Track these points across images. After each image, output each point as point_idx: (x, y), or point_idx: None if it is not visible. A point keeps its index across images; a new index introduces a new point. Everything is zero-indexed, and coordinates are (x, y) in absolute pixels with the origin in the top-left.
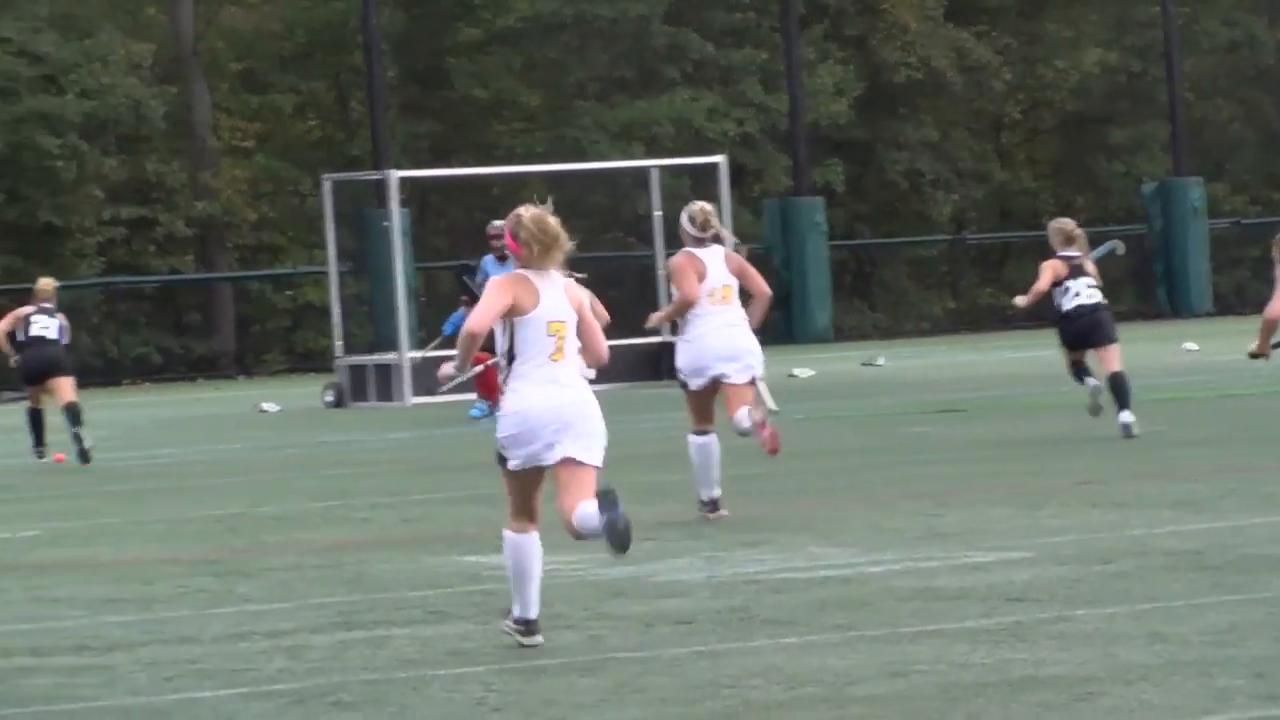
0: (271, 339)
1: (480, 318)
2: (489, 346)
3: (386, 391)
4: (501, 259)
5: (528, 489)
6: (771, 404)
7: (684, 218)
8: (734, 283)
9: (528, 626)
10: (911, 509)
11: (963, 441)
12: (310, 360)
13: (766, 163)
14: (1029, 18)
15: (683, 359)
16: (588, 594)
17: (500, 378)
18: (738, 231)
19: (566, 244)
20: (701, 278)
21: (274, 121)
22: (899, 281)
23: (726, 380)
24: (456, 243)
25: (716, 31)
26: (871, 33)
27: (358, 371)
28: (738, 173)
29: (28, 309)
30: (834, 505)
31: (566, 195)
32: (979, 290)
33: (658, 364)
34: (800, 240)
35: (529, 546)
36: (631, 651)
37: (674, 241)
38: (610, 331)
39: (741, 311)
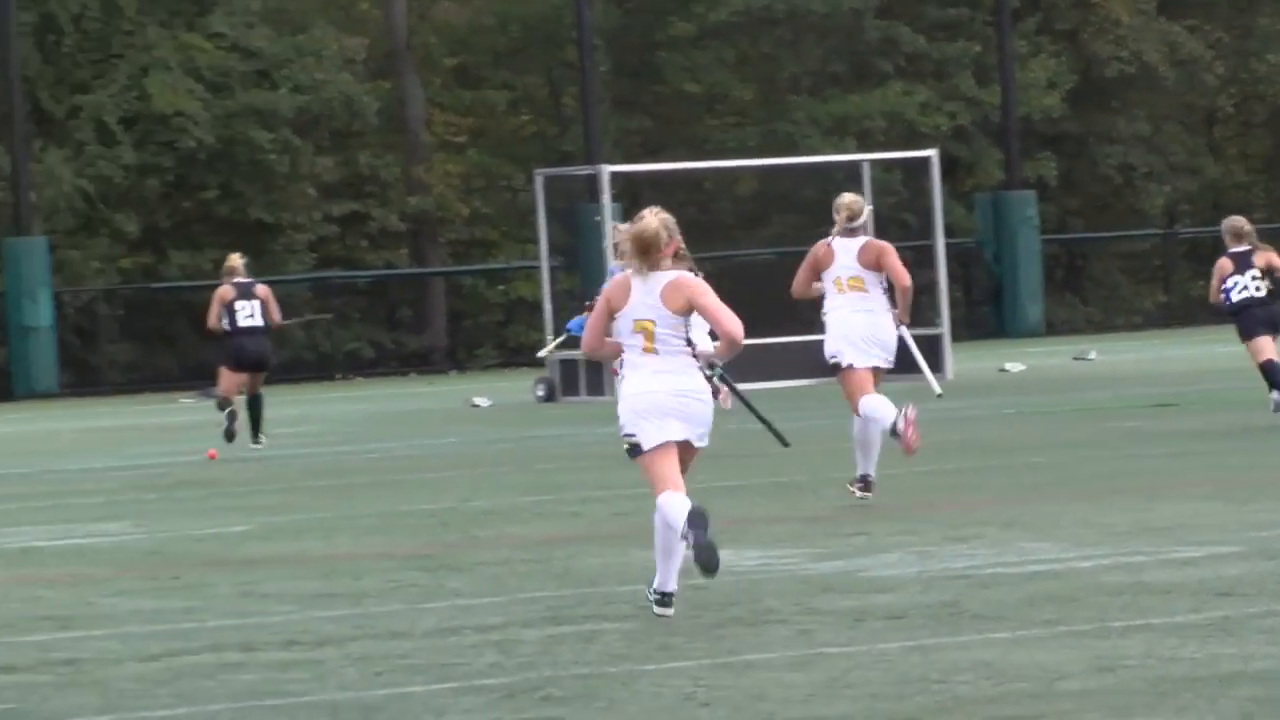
0: (483, 334)
1: (589, 327)
2: None
3: (598, 385)
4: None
5: (659, 466)
6: (936, 388)
7: (834, 208)
8: (865, 274)
9: (663, 598)
10: (1122, 504)
11: (1174, 436)
12: (521, 355)
13: (979, 156)
14: (1241, 11)
15: (827, 342)
16: (798, 589)
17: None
18: (951, 226)
19: (663, 247)
20: (824, 267)
21: (487, 116)
22: (1111, 275)
23: (849, 365)
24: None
25: (929, 25)
26: (1084, 26)
27: (569, 366)
28: (950, 166)
29: (229, 291)
30: (1044, 500)
31: (778, 189)
32: (1191, 284)
33: None
34: (1012, 234)
35: (678, 502)
36: (841, 646)
37: (884, 236)
38: (819, 326)
39: (875, 300)
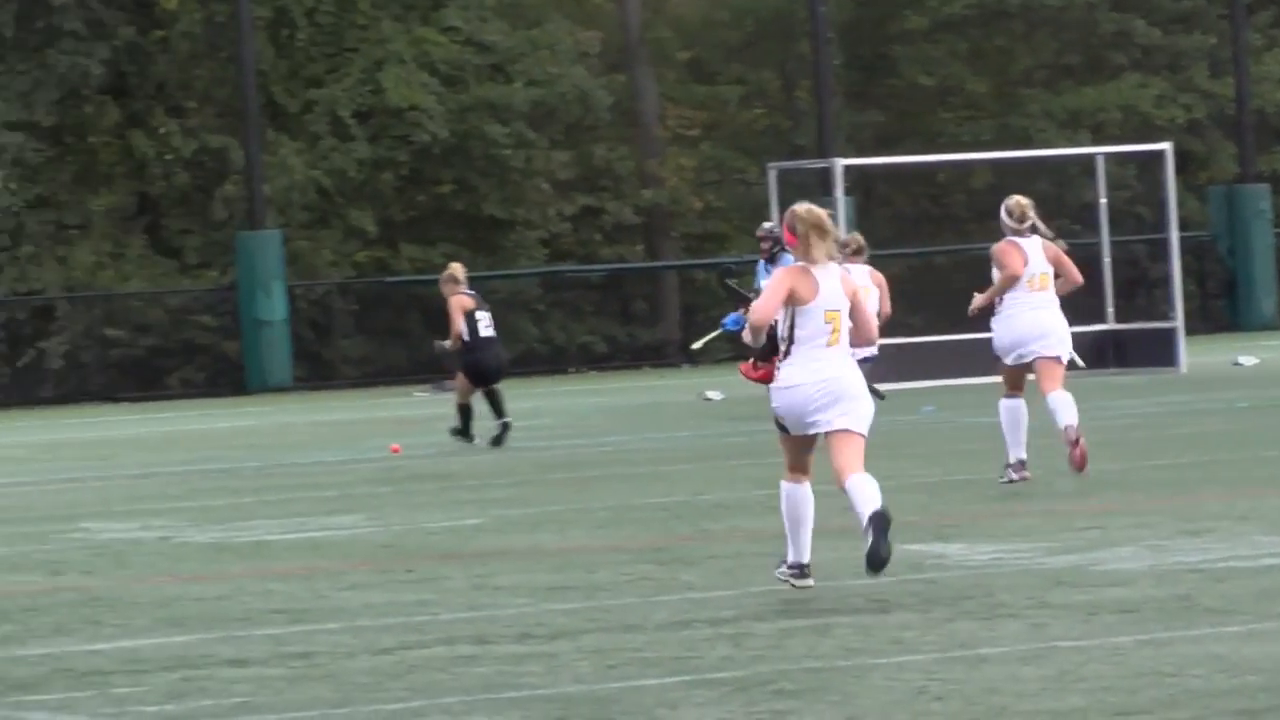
0: (716, 327)
1: (764, 307)
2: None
3: None
4: (770, 260)
5: (800, 451)
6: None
7: (1003, 210)
8: (1050, 271)
9: (801, 570)
10: None
11: None
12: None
13: (1213, 150)
14: None
15: (999, 338)
16: (1031, 582)
17: (779, 355)
18: (1184, 219)
19: (836, 235)
20: (1024, 264)
21: (720, 110)
22: None
23: (1038, 356)
24: (902, 231)
25: (1163, 18)
26: None
27: None
28: (1184, 159)
29: (468, 301)
30: (1278, 494)
31: (1011, 182)
32: None
33: (1105, 351)
34: (1245, 227)
35: (802, 496)
36: (1074, 640)
37: (1118, 229)
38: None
39: (1054, 296)
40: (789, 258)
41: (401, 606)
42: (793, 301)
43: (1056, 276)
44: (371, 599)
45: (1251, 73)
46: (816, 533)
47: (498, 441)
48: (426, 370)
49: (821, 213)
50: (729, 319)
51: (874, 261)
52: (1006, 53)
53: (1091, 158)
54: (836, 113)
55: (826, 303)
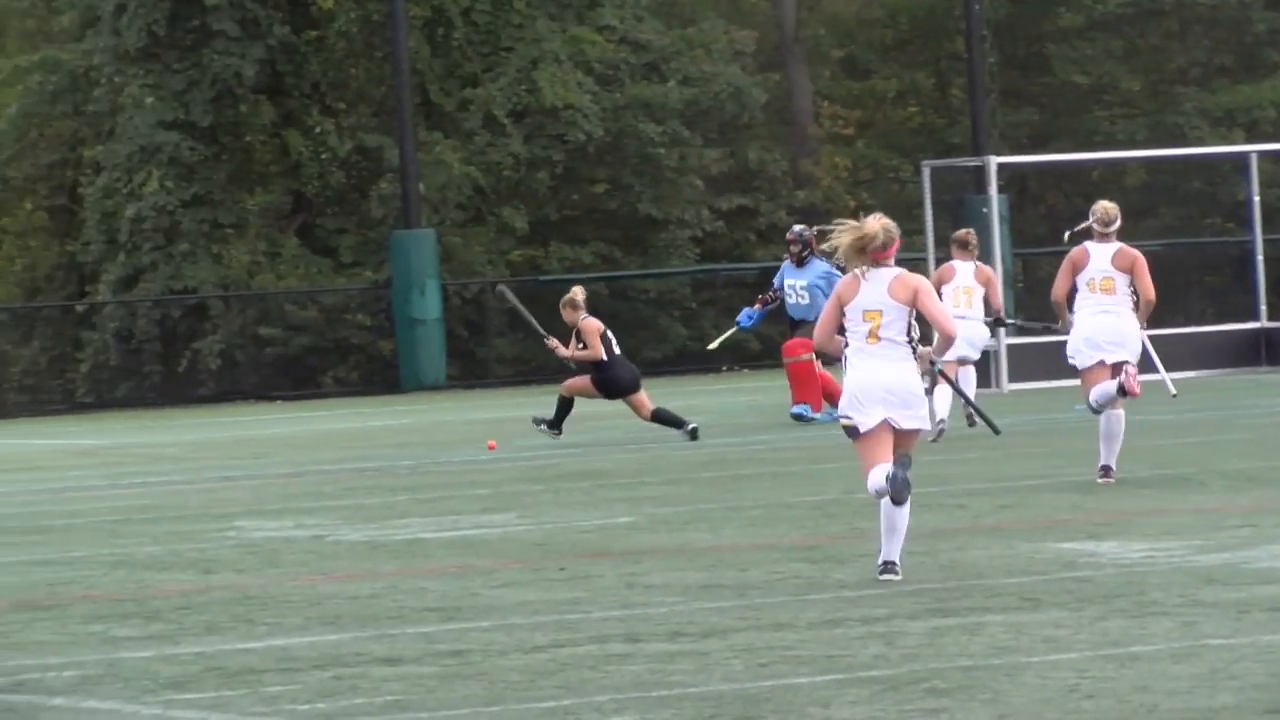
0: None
1: (822, 319)
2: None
3: (983, 378)
4: (798, 263)
5: (872, 449)
6: (1172, 389)
7: (1090, 213)
8: (1117, 276)
9: (887, 566)
10: None
11: None
12: None
13: None
14: None
15: (1069, 341)
16: (1183, 580)
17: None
18: None
19: (882, 248)
20: (1080, 268)
21: (874, 108)
22: None
23: (1107, 360)
24: (1056, 228)
25: None
26: None
27: None
28: None
29: (598, 323)
30: None
31: (1165, 181)
32: None
33: (1257, 349)
34: None
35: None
36: (1225, 638)
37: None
38: (1210, 317)
39: (1125, 302)
40: (818, 261)
41: (553, 604)
42: (842, 303)
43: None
44: (524, 597)
45: None
46: (968, 532)
47: (695, 435)
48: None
49: (870, 227)
50: (742, 316)
51: (1027, 259)
52: (1160, 51)
53: (1245, 156)
54: (990, 111)
55: (864, 303)
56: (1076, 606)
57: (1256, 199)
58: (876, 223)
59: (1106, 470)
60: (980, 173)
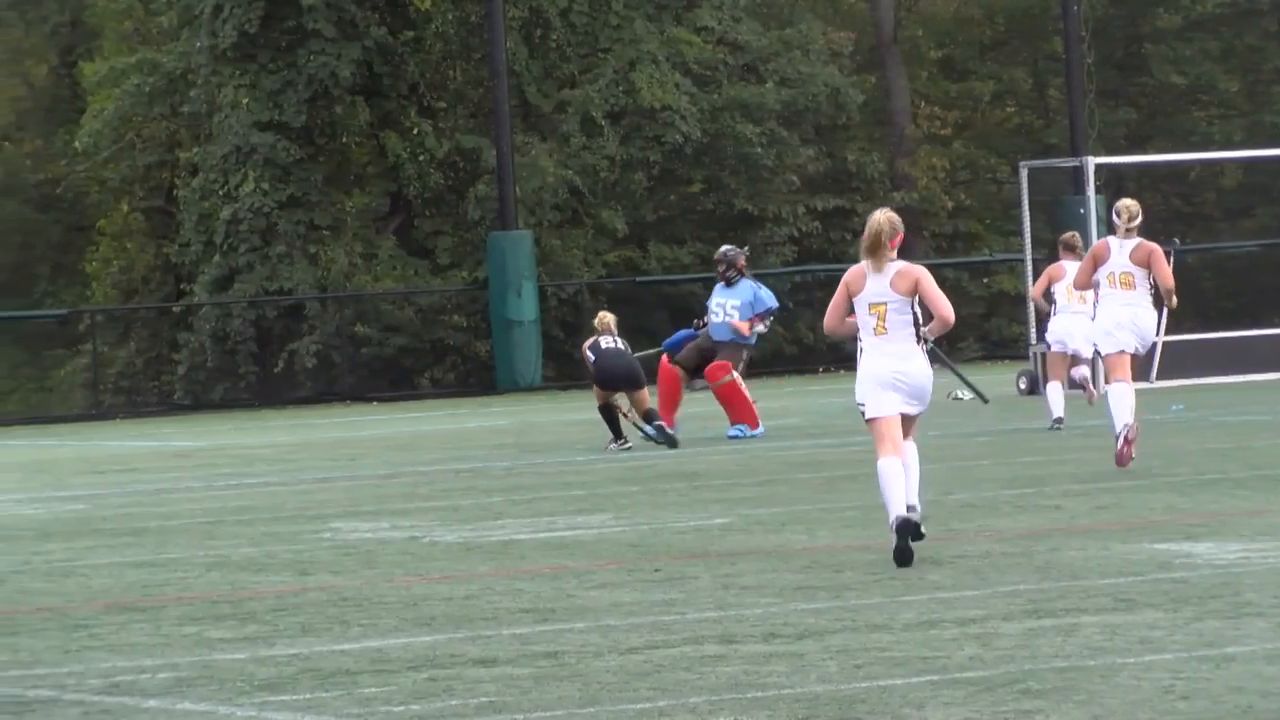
0: (966, 326)
1: (832, 305)
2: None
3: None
4: (727, 283)
5: (883, 431)
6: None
7: (1114, 209)
8: (1136, 271)
9: (902, 523)
10: None
11: None
12: (1004, 347)
13: None
14: None
15: (1093, 331)
16: (1278, 581)
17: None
18: None
19: (887, 241)
20: (1101, 262)
21: (972, 109)
22: None
23: (1125, 349)
24: (1150, 228)
25: None
26: None
27: (1052, 359)
28: None
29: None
30: None
31: (1261, 180)
32: None
33: None
34: None
35: (893, 466)
36: None
37: None
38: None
39: (1144, 296)
40: (746, 281)
41: (648, 606)
42: (850, 296)
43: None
44: (619, 598)
45: None
46: (1063, 533)
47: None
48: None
49: (877, 222)
50: (670, 340)
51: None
52: (1258, 51)
53: None
54: (1088, 111)
55: (869, 296)
56: (1172, 607)
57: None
58: (882, 215)
59: (1125, 434)
60: (1078, 173)
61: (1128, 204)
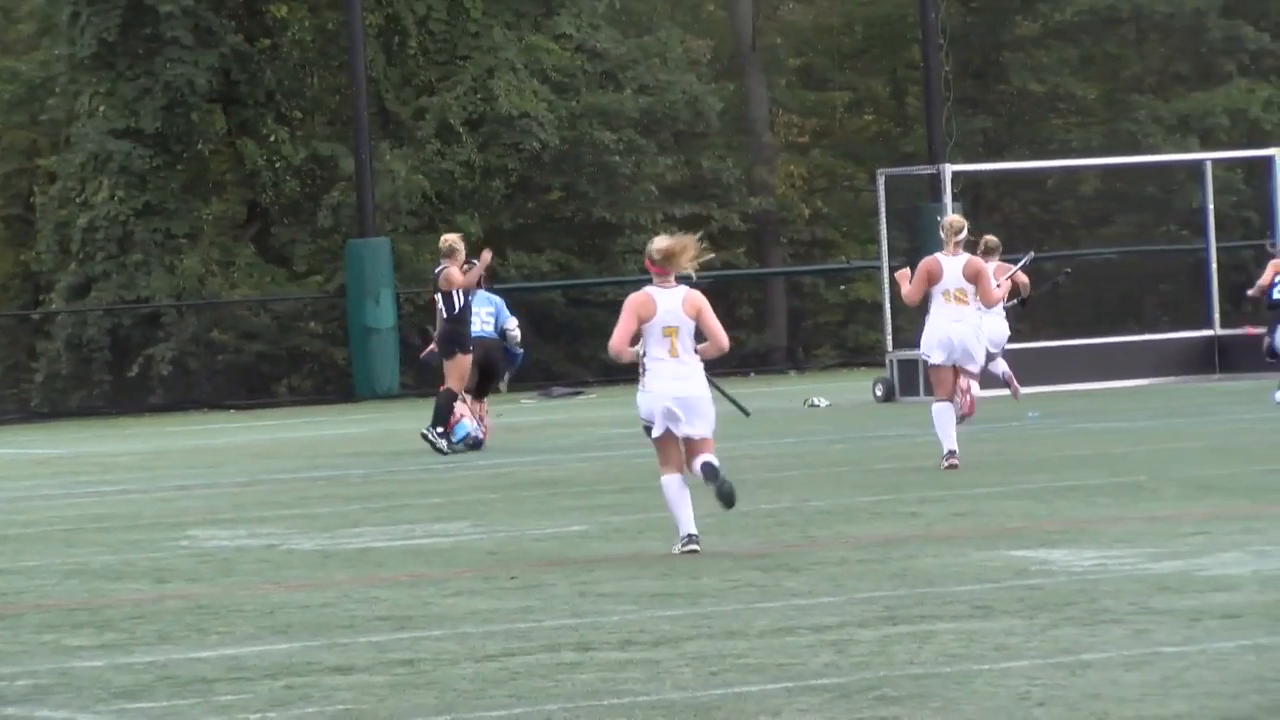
0: (823, 334)
1: (619, 329)
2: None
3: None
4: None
5: (668, 449)
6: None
7: (941, 225)
8: (969, 288)
9: (690, 539)
10: None
11: None
12: (861, 355)
13: None
14: None
15: (923, 341)
16: (1135, 588)
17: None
18: None
19: (684, 261)
20: (934, 280)
21: (830, 117)
22: None
23: (956, 362)
24: (1010, 237)
25: (1273, 23)
26: None
27: (907, 366)
28: None
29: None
30: None
31: (1119, 188)
32: None
33: (1211, 357)
34: None
35: (677, 484)
36: (1177, 646)
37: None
38: (1164, 325)
39: (971, 311)
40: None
41: (505, 613)
42: (640, 322)
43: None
44: (476, 606)
45: None
46: (920, 539)
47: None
48: (534, 377)
49: (663, 245)
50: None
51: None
52: (1116, 59)
53: (1199, 163)
54: (946, 119)
55: (664, 320)
56: (1028, 614)
57: (1211, 206)
58: (676, 240)
59: (952, 454)
60: (935, 181)
61: (953, 220)
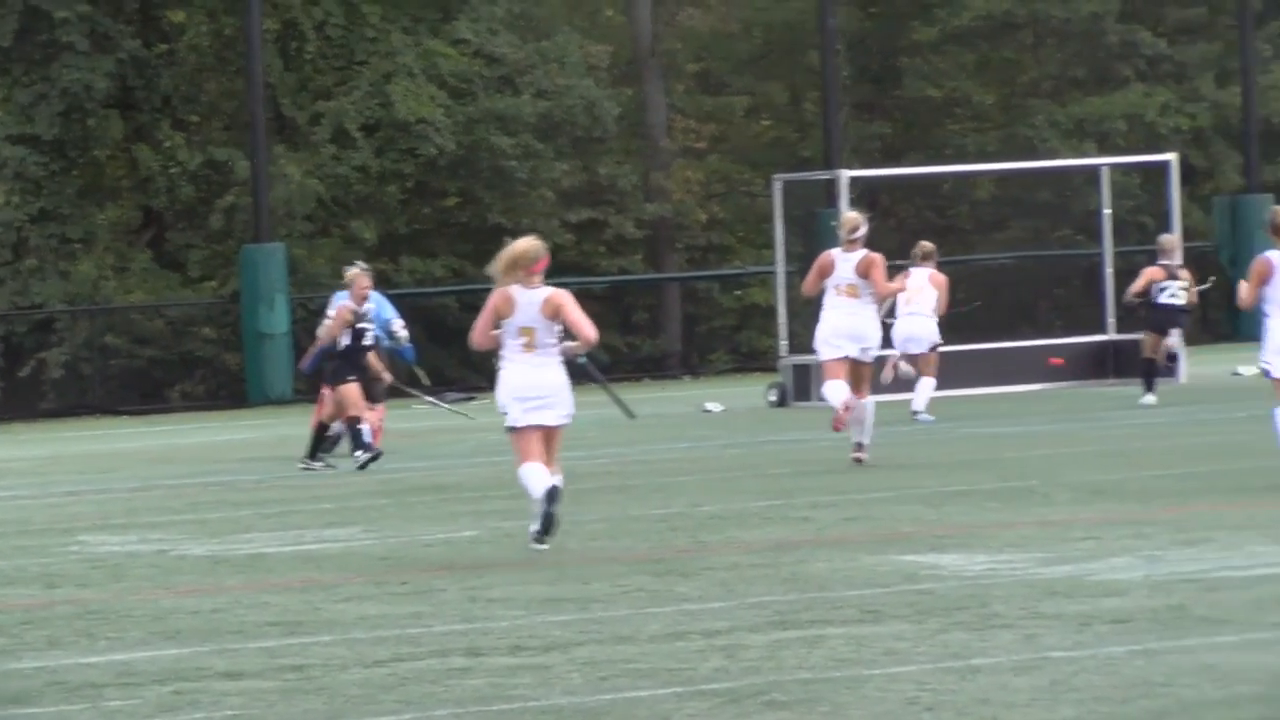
0: (717, 339)
1: (479, 322)
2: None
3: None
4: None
5: (525, 442)
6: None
7: (837, 224)
8: (860, 282)
9: (549, 491)
10: None
11: None
12: (755, 360)
13: (1218, 160)
14: None
15: (816, 336)
16: (1025, 593)
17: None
18: (1188, 229)
19: (527, 264)
20: (826, 274)
21: (727, 122)
22: None
23: (846, 355)
24: (906, 242)
25: (1170, 28)
26: None
27: (801, 371)
28: (1189, 170)
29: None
30: (1275, 503)
31: (1015, 193)
32: None
33: (1104, 362)
34: (1248, 238)
35: (534, 468)
36: (1066, 650)
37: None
38: (1058, 329)
39: (866, 305)
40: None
41: (395, 619)
42: (498, 316)
43: None
44: (366, 611)
45: (1258, 82)
46: (811, 544)
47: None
48: (432, 383)
49: (514, 250)
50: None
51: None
52: (1013, 64)
53: (1096, 168)
54: (843, 125)
55: (520, 320)
56: (918, 619)
57: (1107, 211)
58: (525, 242)
59: (860, 446)
60: (832, 186)
61: (850, 216)
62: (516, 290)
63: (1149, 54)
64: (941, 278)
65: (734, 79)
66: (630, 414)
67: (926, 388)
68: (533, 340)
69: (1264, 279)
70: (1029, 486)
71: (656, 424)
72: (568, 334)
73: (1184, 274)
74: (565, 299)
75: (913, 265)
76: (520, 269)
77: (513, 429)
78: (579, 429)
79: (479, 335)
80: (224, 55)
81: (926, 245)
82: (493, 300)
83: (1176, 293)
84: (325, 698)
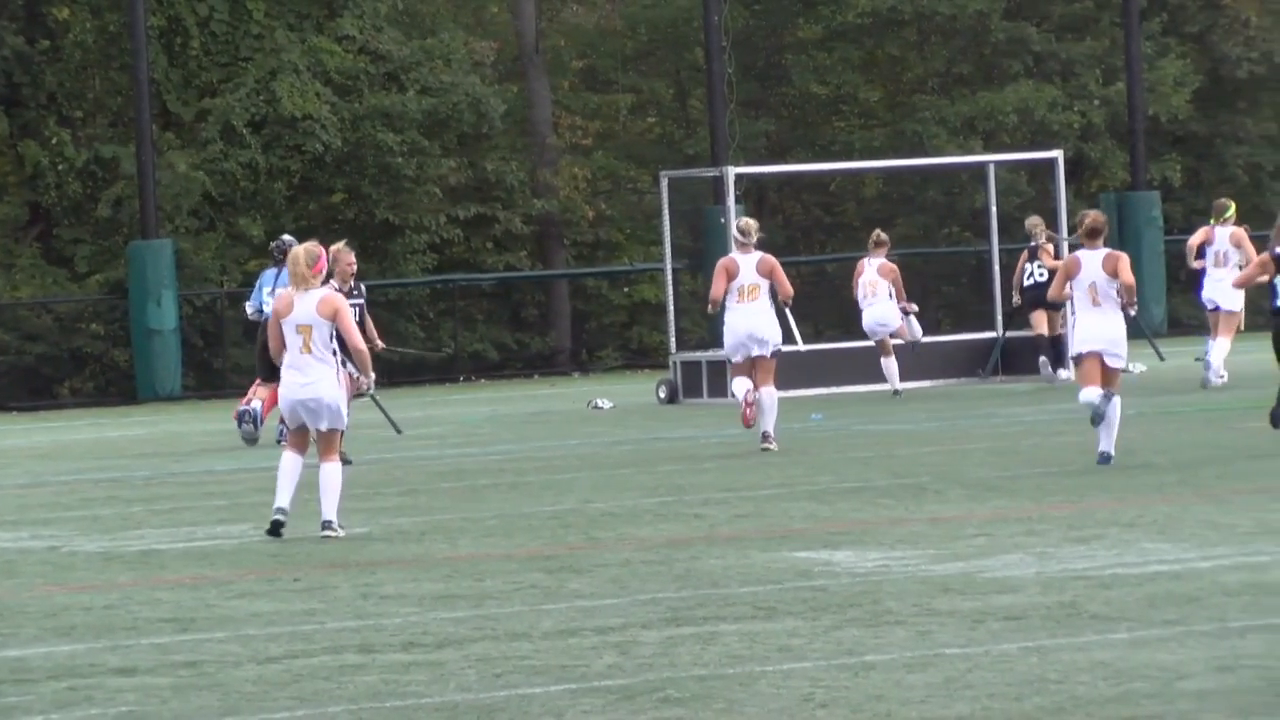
0: (607, 336)
1: (271, 330)
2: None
3: (720, 387)
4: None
5: (298, 440)
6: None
7: (733, 227)
8: (762, 283)
9: (279, 511)
10: (1246, 504)
11: None
12: (645, 356)
13: (1105, 157)
14: None
15: (725, 341)
16: (918, 590)
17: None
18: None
19: (308, 269)
20: (733, 276)
21: (613, 119)
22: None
23: (751, 354)
24: (793, 239)
25: (1056, 25)
26: (1212, 28)
27: (691, 368)
28: (1075, 167)
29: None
30: (1165, 501)
31: (903, 190)
32: None
33: (989, 359)
34: (1136, 234)
35: (293, 462)
36: (960, 647)
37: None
38: (945, 327)
39: (766, 304)
40: (269, 272)
41: (288, 615)
42: (278, 317)
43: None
44: (259, 608)
45: (1144, 79)
46: (704, 541)
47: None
48: None
49: (298, 251)
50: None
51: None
52: (899, 61)
53: (983, 165)
54: (729, 121)
55: (298, 318)
56: (811, 616)
57: (994, 208)
58: (300, 248)
59: (766, 436)
60: (718, 183)
61: (749, 222)
62: (291, 291)
63: (1036, 50)
64: (890, 266)
65: (619, 76)
66: (398, 430)
67: (892, 367)
68: (309, 340)
69: (1071, 274)
70: (921, 483)
71: (547, 421)
72: (341, 341)
73: (1044, 253)
74: (340, 303)
75: (866, 257)
76: (305, 271)
77: (283, 434)
78: (471, 425)
79: (274, 342)
80: (109, 51)
81: (881, 235)
82: (274, 303)
83: (1034, 272)
84: (219, 694)
